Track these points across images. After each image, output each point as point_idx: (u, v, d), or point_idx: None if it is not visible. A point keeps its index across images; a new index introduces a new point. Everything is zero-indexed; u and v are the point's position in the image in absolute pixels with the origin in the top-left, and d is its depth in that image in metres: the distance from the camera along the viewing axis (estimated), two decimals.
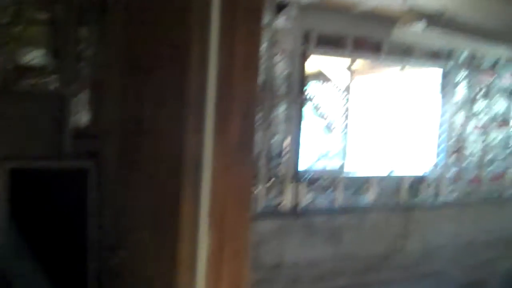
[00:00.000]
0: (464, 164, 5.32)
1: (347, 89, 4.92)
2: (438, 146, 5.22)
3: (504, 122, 5.60)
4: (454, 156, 5.25)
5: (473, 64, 5.27)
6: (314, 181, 4.48)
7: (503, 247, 5.58)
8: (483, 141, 5.45)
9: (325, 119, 8.00)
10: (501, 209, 5.67)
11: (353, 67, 4.85)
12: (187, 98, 1.55)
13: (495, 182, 5.61)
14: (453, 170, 5.26)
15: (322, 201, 4.54)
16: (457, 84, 5.19)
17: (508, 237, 5.65)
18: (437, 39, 3.90)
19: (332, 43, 4.43)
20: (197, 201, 1.48)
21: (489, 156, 5.52)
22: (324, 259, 4.53)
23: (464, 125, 5.28)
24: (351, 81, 4.85)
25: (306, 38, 4.25)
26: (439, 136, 5.21)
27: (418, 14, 3.19)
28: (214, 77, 1.49)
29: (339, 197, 4.61)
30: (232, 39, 1.52)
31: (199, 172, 1.49)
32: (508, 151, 5.66)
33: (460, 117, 5.24)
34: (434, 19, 3.27)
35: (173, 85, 1.74)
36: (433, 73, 5.21)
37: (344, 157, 4.78)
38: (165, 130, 1.80)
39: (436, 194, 5.19)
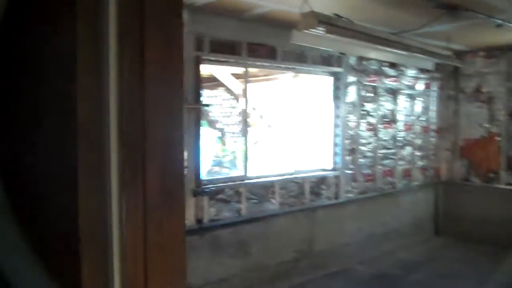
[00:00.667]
0: (359, 162, 5.53)
1: (243, 94, 4.77)
2: (335, 147, 5.33)
3: (392, 121, 5.95)
4: (350, 155, 5.41)
5: (361, 68, 5.49)
6: (217, 193, 4.25)
7: (399, 237, 5.94)
8: (375, 140, 5.72)
9: (222, 126, 7.77)
10: (394, 201, 6.06)
11: (248, 73, 4.72)
12: (75, 131, 1.02)
13: (387, 177, 5.95)
14: (350, 168, 5.42)
15: (227, 213, 4.33)
16: (347, 87, 5.36)
17: (402, 227, 6.03)
18: (330, 44, 3.92)
19: (226, 49, 4.22)
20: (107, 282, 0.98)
21: (381, 153, 5.81)
22: (232, 274, 4.34)
23: (356, 126, 5.47)
24: (246, 87, 4.71)
25: (198, 43, 3.99)
26: (335, 137, 5.33)
27: (314, 19, 3.12)
28: (114, 103, 0.99)
29: (244, 207, 4.44)
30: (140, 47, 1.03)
31: (104, 247, 0.98)
32: (396, 147, 6.03)
33: (352, 119, 5.42)
34: (330, 24, 3.24)
35: (51, 110, 1.18)
36: (326, 78, 5.32)
37: (245, 165, 4.63)
38: (43, 176, 1.21)
39: (337, 193, 5.30)
